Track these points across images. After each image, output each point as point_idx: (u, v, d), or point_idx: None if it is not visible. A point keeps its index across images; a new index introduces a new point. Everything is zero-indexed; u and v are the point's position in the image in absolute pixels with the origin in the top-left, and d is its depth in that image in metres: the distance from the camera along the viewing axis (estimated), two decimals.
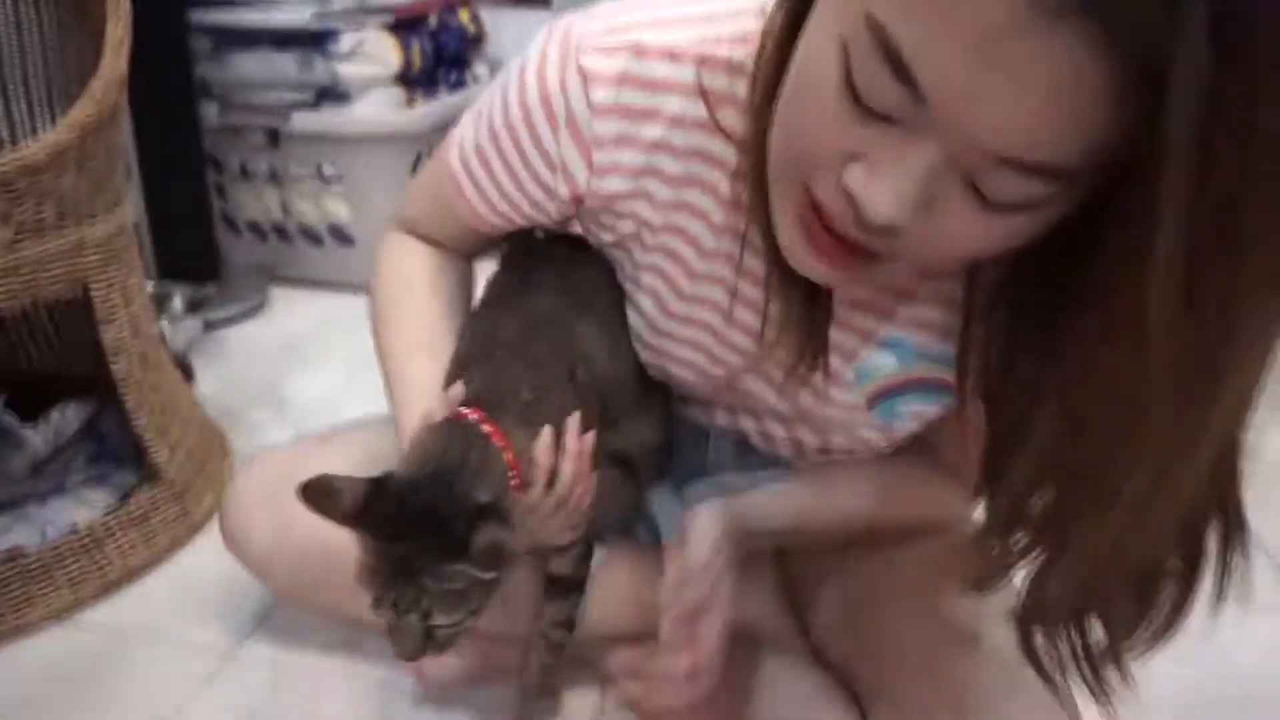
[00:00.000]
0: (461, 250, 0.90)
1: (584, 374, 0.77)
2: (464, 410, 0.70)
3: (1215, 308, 0.44)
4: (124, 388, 1.15)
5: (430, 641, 0.67)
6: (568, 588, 0.85)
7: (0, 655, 1.04)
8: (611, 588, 0.95)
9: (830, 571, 0.93)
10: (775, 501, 0.85)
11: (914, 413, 0.75)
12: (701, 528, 0.81)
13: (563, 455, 0.71)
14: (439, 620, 0.66)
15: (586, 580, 0.87)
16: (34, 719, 0.96)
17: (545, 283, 0.81)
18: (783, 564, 0.99)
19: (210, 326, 1.82)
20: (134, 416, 1.16)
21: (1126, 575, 0.56)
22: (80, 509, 1.19)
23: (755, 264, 0.71)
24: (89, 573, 1.12)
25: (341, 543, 0.67)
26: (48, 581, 1.09)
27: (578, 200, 0.75)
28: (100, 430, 1.29)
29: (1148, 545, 0.54)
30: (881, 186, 0.50)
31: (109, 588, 1.13)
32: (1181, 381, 0.46)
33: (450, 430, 0.69)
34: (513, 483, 0.69)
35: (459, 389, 0.72)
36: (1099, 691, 0.59)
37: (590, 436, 0.73)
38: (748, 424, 0.87)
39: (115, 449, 1.29)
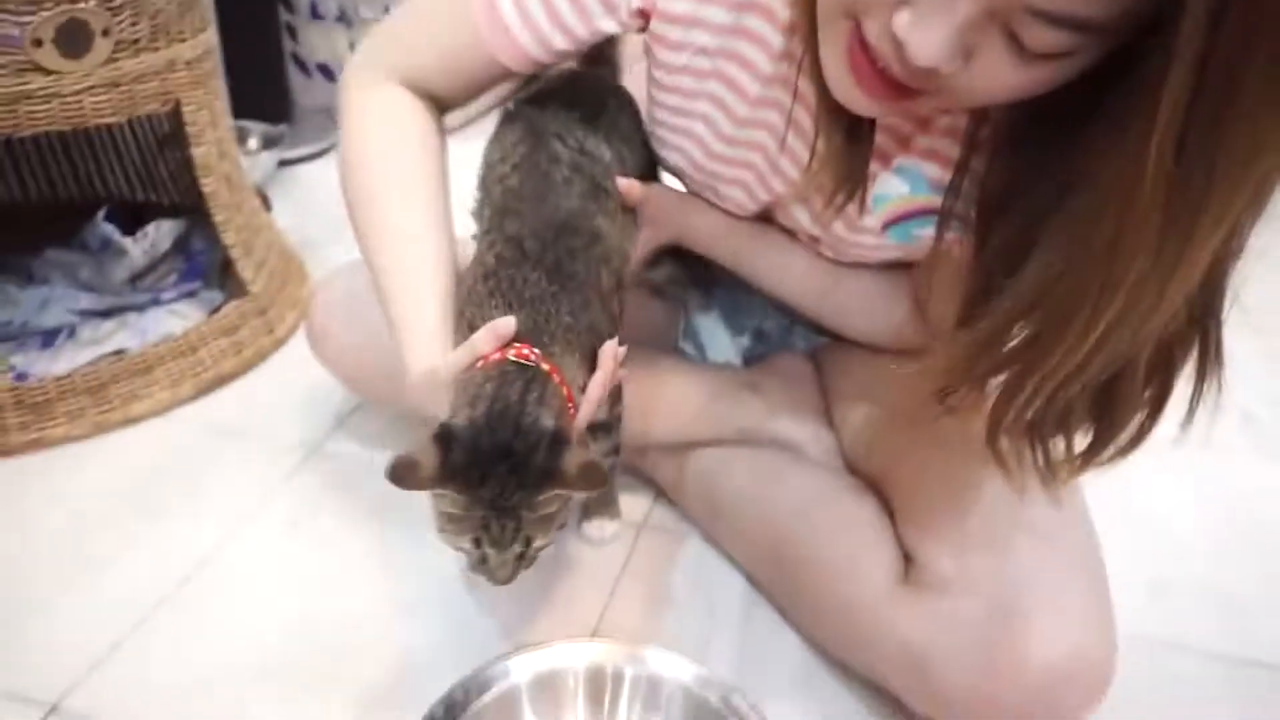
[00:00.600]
0: (455, 102, 0.88)
1: (609, 278, 0.80)
2: (520, 349, 0.71)
3: (1202, 158, 0.50)
4: (212, 204, 1.23)
5: (522, 562, 0.71)
6: (608, 427, 0.92)
7: (111, 443, 1.16)
8: (661, 401, 1.03)
9: (863, 393, 0.99)
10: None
11: (928, 237, 0.79)
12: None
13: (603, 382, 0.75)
14: (537, 544, 0.70)
15: (621, 416, 0.93)
16: (138, 502, 1.08)
17: (559, 179, 0.81)
18: (823, 385, 1.06)
19: (283, 164, 1.89)
20: (222, 232, 1.25)
21: (1093, 396, 0.63)
22: (174, 319, 1.29)
23: (811, 91, 0.75)
24: (185, 375, 1.23)
25: None
26: (150, 379, 1.20)
27: (644, 16, 0.78)
28: (190, 249, 1.39)
29: (1116, 369, 0.61)
30: (926, 32, 0.55)
31: (203, 390, 1.24)
32: (1166, 223, 0.52)
33: (507, 371, 0.70)
34: (570, 412, 0.72)
35: (509, 324, 0.71)
36: (1050, 484, 0.68)
37: (623, 357, 0.78)
38: None
39: (203, 268, 1.38)
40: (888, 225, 0.82)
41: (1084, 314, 0.57)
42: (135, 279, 1.33)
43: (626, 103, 0.95)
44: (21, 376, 1.15)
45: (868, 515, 0.89)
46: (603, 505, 1.03)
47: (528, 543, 0.69)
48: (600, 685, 0.79)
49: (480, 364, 0.70)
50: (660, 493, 1.10)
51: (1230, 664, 0.94)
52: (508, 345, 0.70)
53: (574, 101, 0.88)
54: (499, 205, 0.81)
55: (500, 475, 0.66)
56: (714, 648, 0.90)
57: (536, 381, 0.69)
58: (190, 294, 1.36)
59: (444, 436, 0.67)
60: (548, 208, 0.78)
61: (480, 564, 0.70)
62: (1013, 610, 0.74)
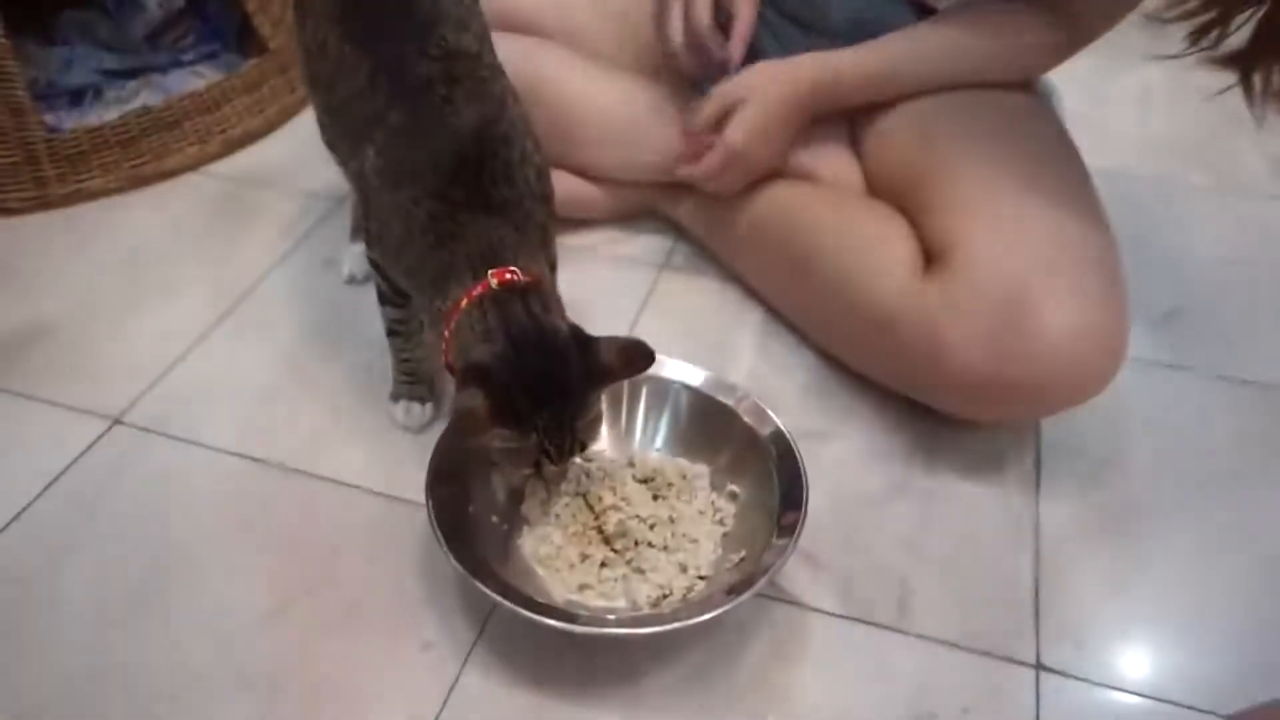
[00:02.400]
0: None
1: (533, 172, 0.77)
2: (500, 274, 0.70)
3: None
4: None
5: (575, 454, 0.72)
6: None
7: (151, 195, 1.20)
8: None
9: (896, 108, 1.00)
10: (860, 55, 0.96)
11: None
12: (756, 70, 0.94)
13: None
14: (591, 446, 0.73)
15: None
16: (186, 244, 1.12)
17: (439, 99, 0.75)
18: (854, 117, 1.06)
19: None
20: None
21: None
22: (196, 79, 1.30)
23: None
24: (212, 131, 1.25)
25: None
26: (178, 134, 1.22)
27: None
28: (206, 9, 1.37)
29: None
30: None
31: (232, 146, 1.27)
32: None
33: (499, 298, 0.69)
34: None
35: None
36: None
37: None
38: None
39: (222, 29, 1.37)
40: None
41: None
42: (153, 37, 1.32)
43: None
44: (54, 130, 1.17)
45: (885, 216, 0.92)
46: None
47: (582, 448, 0.71)
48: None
49: (465, 302, 0.70)
50: (681, 234, 1.13)
51: (1232, 384, 0.97)
52: (485, 276, 0.70)
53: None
54: (393, 158, 0.75)
55: (548, 398, 0.67)
56: (730, 371, 0.95)
57: (531, 294, 0.70)
58: (211, 55, 1.35)
59: (478, 374, 0.67)
60: (447, 138, 0.74)
61: (537, 474, 0.75)
62: (1027, 290, 0.77)
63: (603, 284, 1.06)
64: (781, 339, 1.00)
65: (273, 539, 0.80)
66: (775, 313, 1.02)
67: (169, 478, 0.85)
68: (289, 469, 0.86)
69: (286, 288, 1.05)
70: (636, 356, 0.69)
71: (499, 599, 0.66)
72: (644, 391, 0.83)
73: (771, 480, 0.75)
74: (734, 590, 0.68)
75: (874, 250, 0.89)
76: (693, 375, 0.83)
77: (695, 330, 1.02)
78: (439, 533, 0.70)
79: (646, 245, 1.12)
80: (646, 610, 0.72)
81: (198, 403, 0.92)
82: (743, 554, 0.74)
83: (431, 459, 0.75)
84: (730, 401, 0.81)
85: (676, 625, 0.66)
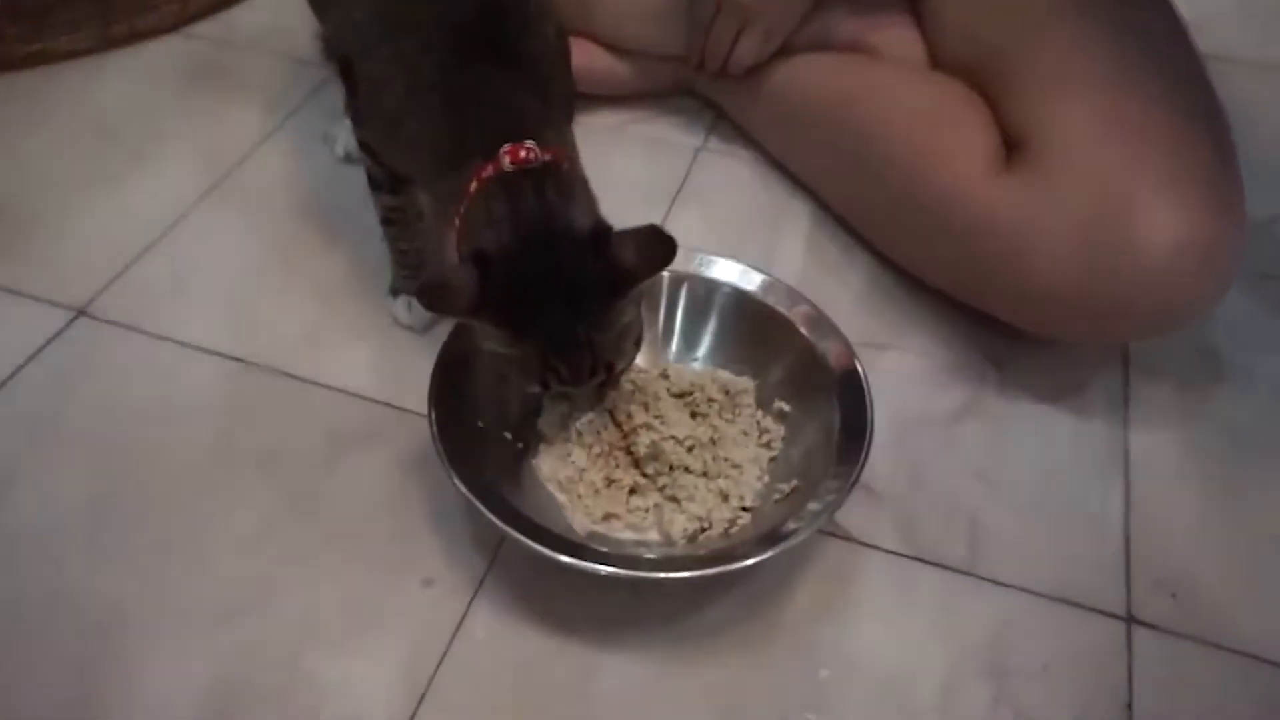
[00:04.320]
0: None
1: (552, 28, 0.66)
2: (513, 151, 0.59)
3: None
4: None
5: (608, 388, 0.63)
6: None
7: (126, 58, 1.07)
8: None
9: None
10: None
11: None
12: None
13: None
14: (620, 367, 0.61)
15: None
16: (163, 112, 1.00)
17: None
18: None
19: None
20: None
21: None
22: None
23: None
24: None
25: None
26: None
27: None
28: None
29: None
30: None
31: (213, 6, 1.13)
32: None
33: (509, 182, 0.59)
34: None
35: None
36: None
37: None
38: None
39: None
40: None
41: None
42: None
43: None
44: None
45: (961, 98, 0.79)
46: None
47: (609, 369, 0.60)
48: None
49: (475, 186, 0.59)
50: (720, 114, 1.00)
51: None
52: (497, 153, 0.59)
53: None
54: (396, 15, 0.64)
55: (553, 303, 0.57)
56: (777, 270, 0.83)
57: (548, 177, 0.59)
58: None
59: (479, 258, 0.57)
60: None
61: (561, 396, 0.64)
62: (1128, 194, 0.66)
63: (629, 170, 0.94)
64: (835, 237, 0.88)
65: (255, 451, 0.70)
66: (827, 207, 0.90)
67: (138, 379, 0.75)
68: (275, 371, 0.75)
69: (275, 165, 0.93)
70: (652, 248, 0.57)
71: (509, 530, 0.57)
72: (684, 292, 0.72)
73: (830, 401, 0.65)
74: (779, 534, 0.58)
75: (947, 137, 0.77)
76: (741, 275, 0.72)
77: (735, 224, 0.90)
78: (442, 450, 0.60)
79: (680, 125, 1.00)
80: (682, 545, 0.62)
81: (172, 293, 0.81)
82: (794, 483, 0.64)
83: (436, 365, 0.65)
84: (784, 308, 0.70)
85: (718, 570, 0.57)
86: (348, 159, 0.92)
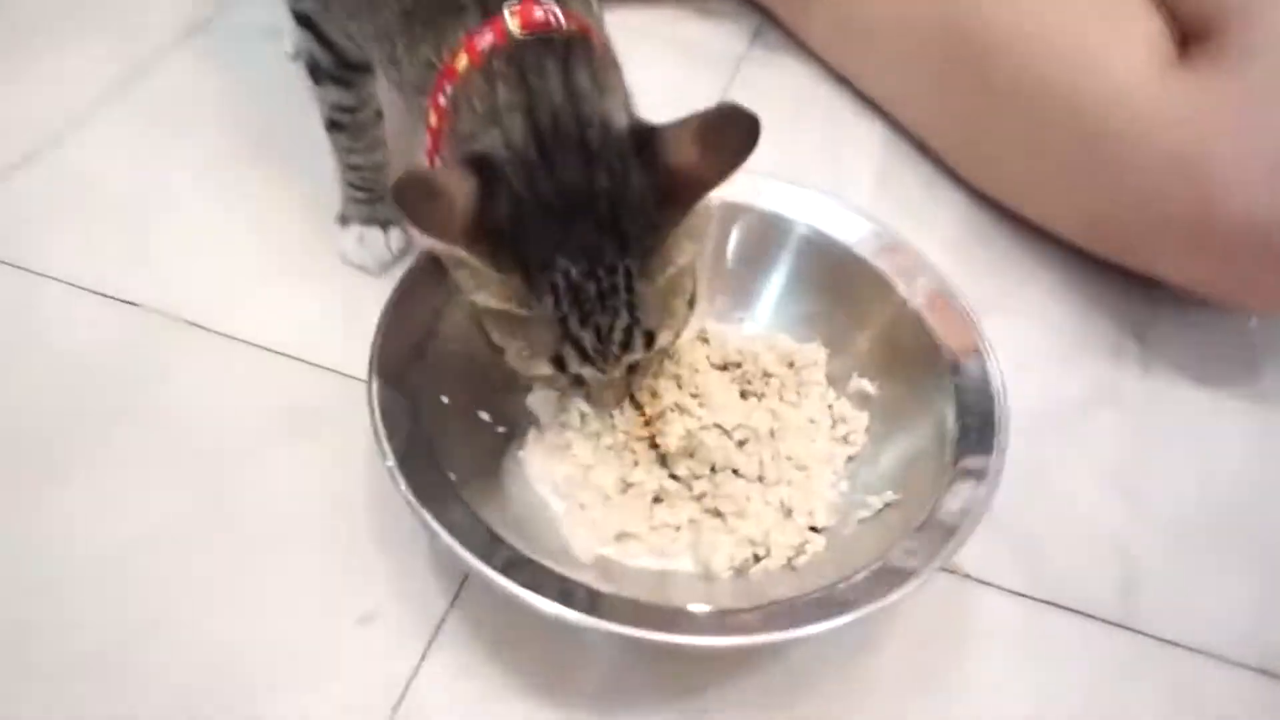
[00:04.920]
0: None
1: None
2: (526, 8, 0.42)
3: None
4: None
5: (636, 375, 0.44)
6: None
7: None
8: None
9: None
10: None
11: None
12: None
13: None
14: (663, 340, 0.43)
15: None
16: None
17: None
18: None
19: None
20: None
21: None
22: None
23: None
24: None
25: None
26: None
27: None
28: None
29: None
30: None
31: None
32: None
33: (524, 56, 0.41)
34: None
35: None
36: None
37: None
38: None
39: None
40: None
41: None
42: None
43: None
44: None
45: None
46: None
47: (648, 342, 0.42)
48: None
49: (467, 60, 0.42)
50: (768, 17, 0.80)
51: None
52: (500, 11, 0.42)
53: None
54: None
55: (582, 235, 0.40)
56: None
57: (576, 54, 0.42)
58: None
59: (479, 163, 0.40)
60: None
61: (575, 385, 0.44)
62: None
63: (661, 79, 0.73)
64: (915, 169, 0.69)
65: (154, 426, 0.52)
66: (905, 131, 0.71)
67: (6, 324, 0.56)
68: (186, 323, 0.56)
69: (206, 61, 0.73)
70: (723, 134, 0.39)
71: (476, 564, 0.38)
72: (736, 230, 0.53)
73: (939, 383, 0.46)
74: (881, 579, 0.40)
75: (1096, 26, 0.58)
76: (814, 208, 0.53)
77: (786, 153, 0.69)
78: (385, 437, 0.42)
79: (719, 29, 0.80)
80: (726, 578, 0.44)
81: (59, 218, 0.62)
82: (888, 497, 0.45)
83: (385, 310, 0.47)
84: (872, 254, 0.51)
85: (783, 636, 0.38)
86: (299, 57, 0.72)
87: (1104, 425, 0.55)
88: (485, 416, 0.48)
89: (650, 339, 0.42)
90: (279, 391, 0.54)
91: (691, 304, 0.44)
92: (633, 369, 0.44)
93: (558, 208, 0.40)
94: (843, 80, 0.75)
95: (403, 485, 0.40)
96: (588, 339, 0.41)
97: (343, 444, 0.50)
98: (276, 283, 0.59)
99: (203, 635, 0.44)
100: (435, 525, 0.39)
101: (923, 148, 0.70)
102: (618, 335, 0.41)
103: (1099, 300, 0.61)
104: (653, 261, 0.41)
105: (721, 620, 0.40)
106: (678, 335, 0.44)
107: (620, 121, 0.42)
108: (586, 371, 0.42)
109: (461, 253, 0.39)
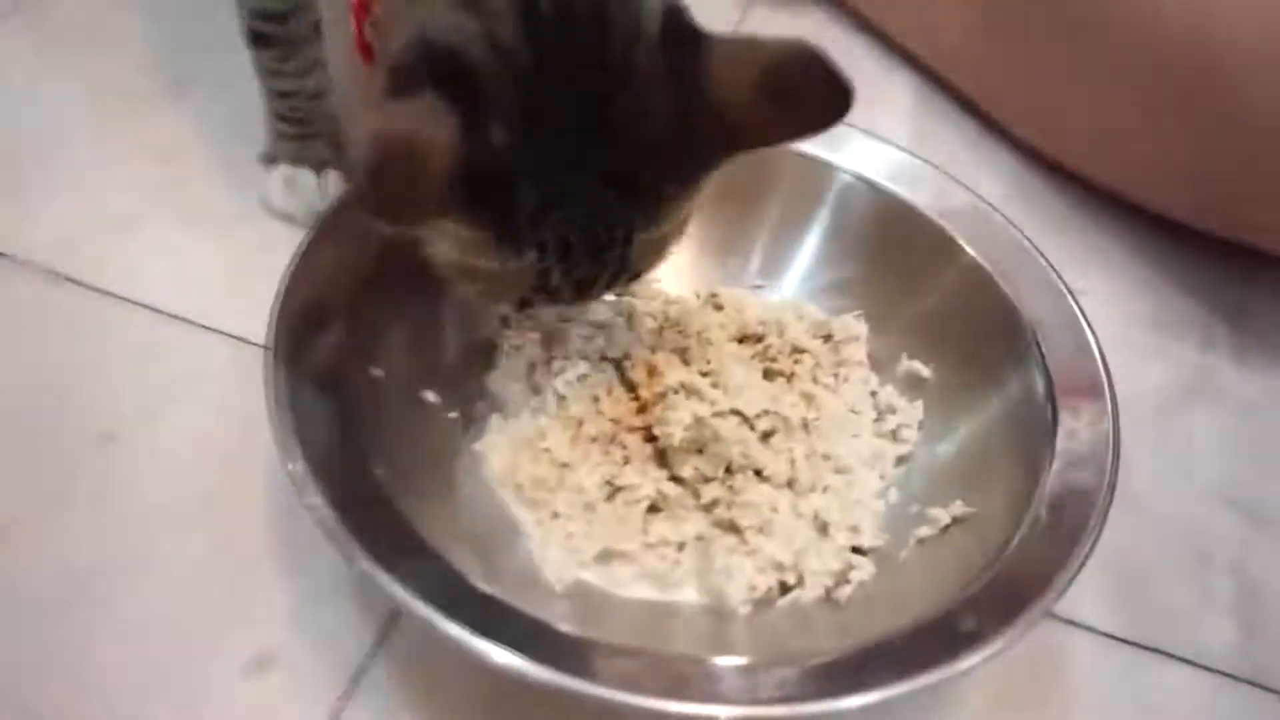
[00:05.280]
0: None
1: None
2: None
3: None
4: None
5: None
6: None
7: None
8: None
9: None
10: None
11: None
12: None
13: None
14: (650, 273, 0.34)
15: None
16: None
17: None
18: None
19: None
20: None
21: None
22: None
23: None
24: None
25: None
26: None
27: None
28: None
29: None
30: None
31: None
32: None
33: None
34: None
35: None
36: None
37: None
38: None
39: None
40: None
41: None
42: None
43: None
44: None
45: None
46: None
47: (633, 280, 0.34)
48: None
49: None
50: None
51: None
52: None
53: None
54: None
55: (589, 187, 0.30)
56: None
57: None
58: None
59: (441, 65, 0.29)
60: None
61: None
62: None
63: None
64: (956, 123, 0.59)
65: (14, 402, 0.40)
66: (940, 79, 0.61)
67: None
68: (49, 273, 0.45)
69: None
70: (805, 91, 0.30)
71: (408, 597, 0.27)
72: (783, 179, 0.42)
73: (1021, 364, 0.36)
74: (942, 631, 0.29)
75: None
76: (857, 149, 0.42)
77: None
78: (286, 431, 0.31)
79: None
80: (744, 614, 0.33)
81: None
82: (957, 509, 0.35)
83: (292, 263, 0.36)
84: (928, 203, 0.40)
85: (819, 709, 0.27)
86: None
87: (1201, 426, 0.45)
88: (431, 397, 0.37)
89: (636, 278, 0.33)
90: (169, 361, 0.42)
91: (684, 227, 0.34)
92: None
93: (559, 145, 0.29)
94: (864, 27, 0.65)
95: (310, 497, 0.29)
96: (567, 290, 0.32)
97: (243, 430, 0.38)
98: (173, 228, 0.47)
99: (47, 661, 0.33)
100: (353, 545, 0.28)
101: (965, 102, 0.60)
102: (602, 283, 0.32)
103: (1181, 276, 0.51)
104: (663, 210, 0.31)
105: (743, 679, 0.29)
106: (655, 266, 0.34)
107: (653, 15, 0.31)
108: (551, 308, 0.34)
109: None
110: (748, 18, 0.66)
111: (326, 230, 0.36)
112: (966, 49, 0.59)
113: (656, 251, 0.34)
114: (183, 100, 0.53)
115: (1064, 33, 0.51)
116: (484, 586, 0.30)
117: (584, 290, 0.33)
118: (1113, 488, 0.32)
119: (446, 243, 0.32)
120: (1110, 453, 0.33)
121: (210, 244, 0.47)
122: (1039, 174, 0.56)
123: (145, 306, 0.44)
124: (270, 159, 0.49)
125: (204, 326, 0.43)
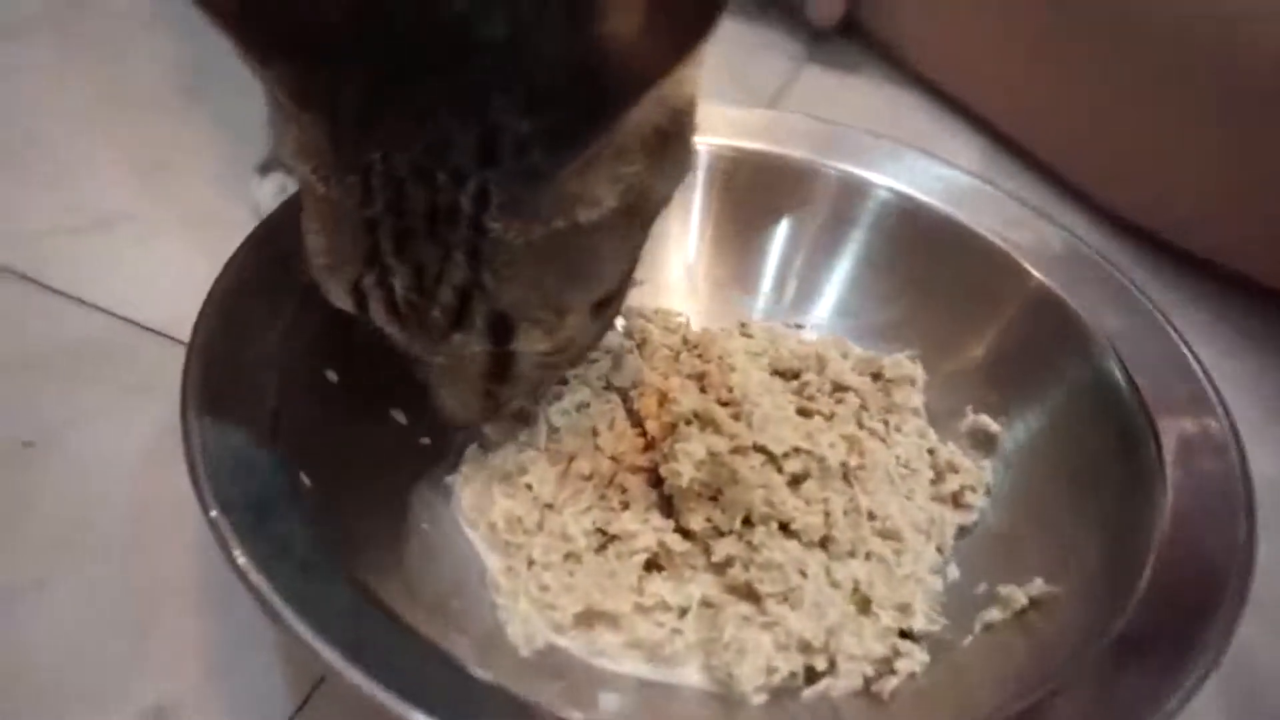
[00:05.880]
0: None
1: None
2: None
3: None
4: None
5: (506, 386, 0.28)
6: None
7: None
8: None
9: None
10: None
11: None
12: None
13: None
14: (531, 335, 0.26)
15: None
16: None
17: None
18: None
19: None
20: None
21: None
22: None
23: None
24: None
25: None
26: None
27: None
28: None
29: None
30: None
31: None
32: None
33: None
34: None
35: None
36: None
37: None
38: None
39: None
40: None
41: None
42: None
43: None
44: None
45: None
46: None
47: (497, 331, 0.25)
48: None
49: None
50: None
51: None
52: None
53: None
54: None
55: (434, 115, 0.24)
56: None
57: None
58: None
59: None
60: None
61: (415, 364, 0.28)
62: None
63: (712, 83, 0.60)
64: (1021, 183, 0.54)
65: None
66: (1005, 137, 0.56)
67: None
68: (6, 270, 0.41)
69: None
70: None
71: (338, 661, 0.21)
72: (817, 201, 0.37)
73: (1116, 420, 0.29)
74: None
75: None
76: (909, 167, 0.37)
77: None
78: (199, 456, 0.25)
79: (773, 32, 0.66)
80: (758, 705, 0.26)
81: None
82: (1040, 588, 0.27)
83: (238, 252, 0.31)
84: (996, 230, 0.35)
85: None
86: None
87: None
88: (400, 418, 0.31)
89: (503, 328, 0.25)
90: (116, 370, 0.37)
91: (621, 293, 0.27)
92: (495, 373, 0.27)
93: (406, 47, 0.24)
94: (920, 83, 0.61)
95: (233, 550, 0.23)
96: (399, 277, 0.25)
97: (177, 451, 0.33)
98: (158, 238, 0.43)
99: None
100: (276, 603, 0.22)
101: (1032, 160, 0.55)
102: (445, 293, 0.24)
103: (1263, 340, 0.44)
104: (536, 192, 0.24)
105: None
106: (572, 343, 0.26)
107: None
108: (399, 336, 0.26)
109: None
110: (801, 75, 0.63)
111: (278, 223, 0.32)
112: (1031, 102, 0.54)
113: (538, 281, 0.25)
114: (189, 111, 0.50)
115: (1148, 80, 0.46)
116: (443, 645, 0.23)
117: (424, 294, 0.25)
118: (1244, 591, 0.25)
119: (291, 143, 0.25)
120: (1244, 533, 0.25)
121: (193, 251, 0.43)
122: (1111, 236, 0.50)
123: (105, 311, 0.39)
124: (266, 167, 0.45)
125: (166, 335, 0.39)
